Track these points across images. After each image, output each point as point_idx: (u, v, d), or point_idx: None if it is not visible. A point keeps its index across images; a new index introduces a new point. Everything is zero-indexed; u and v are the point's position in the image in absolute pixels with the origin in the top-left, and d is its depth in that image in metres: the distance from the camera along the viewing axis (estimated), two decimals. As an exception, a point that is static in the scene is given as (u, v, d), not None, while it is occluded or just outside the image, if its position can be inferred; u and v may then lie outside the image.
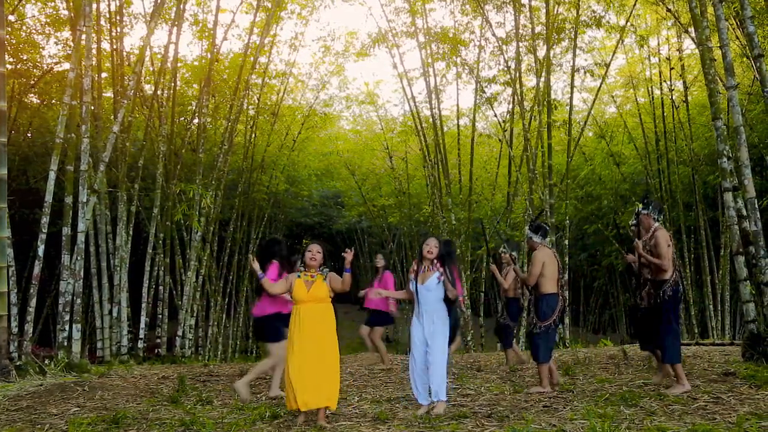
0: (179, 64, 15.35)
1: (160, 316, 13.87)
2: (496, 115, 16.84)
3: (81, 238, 9.02)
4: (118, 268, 12.41)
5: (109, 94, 14.45)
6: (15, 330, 9.17)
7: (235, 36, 30.99)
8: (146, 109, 14.25)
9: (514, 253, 7.57)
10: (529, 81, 16.57)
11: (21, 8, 13.60)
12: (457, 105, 29.19)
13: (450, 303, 5.18)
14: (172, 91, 14.78)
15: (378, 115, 22.48)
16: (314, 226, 25.76)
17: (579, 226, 20.04)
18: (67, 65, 12.89)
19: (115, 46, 13.42)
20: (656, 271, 5.69)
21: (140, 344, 12.91)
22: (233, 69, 16.00)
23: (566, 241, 14.71)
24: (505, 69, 15.34)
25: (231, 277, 17.71)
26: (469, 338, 14.72)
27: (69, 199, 9.09)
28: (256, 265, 5.44)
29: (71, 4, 11.58)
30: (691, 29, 12.27)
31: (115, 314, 12.34)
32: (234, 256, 17.51)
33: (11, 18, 12.90)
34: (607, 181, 18.36)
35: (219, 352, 16.33)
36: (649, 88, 16.96)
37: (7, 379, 6.98)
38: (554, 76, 17.24)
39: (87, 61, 9.64)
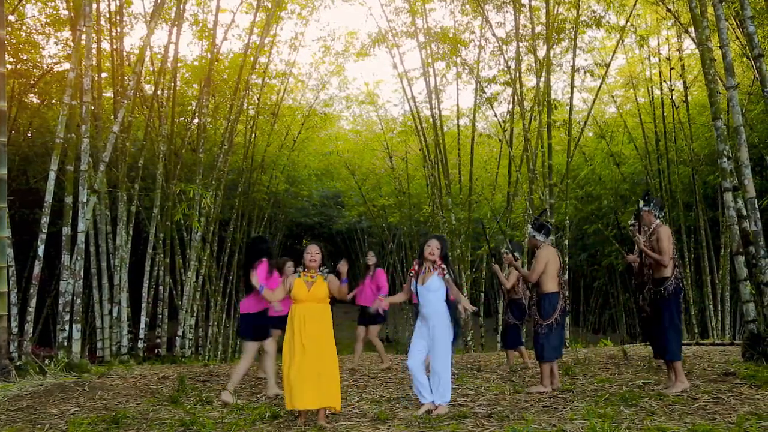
0: (179, 64, 15.35)
1: (160, 316, 13.87)
2: (496, 115, 16.84)
3: (81, 238, 9.02)
4: (118, 268, 12.41)
5: (109, 94, 14.45)
6: (15, 330, 9.18)
7: (235, 36, 31.11)
8: (146, 109, 14.25)
9: (516, 254, 7.55)
10: (529, 81, 16.59)
11: (21, 8, 13.60)
12: (457, 105, 29.24)
13: (452, 304, 5.15)
14: (172, 91, 14.78)
15: (378, 115, 22.51)
16: (314, 226, 25.76)
17: (579, 226, 20.04)
18: (67, 65, 12.90)
19: (115, 46, 13.42)
20: (657, 269, 5.69)
21: (140, 344, 12.91)
22: (233, 69, 16.00)
23: (566, 241, 14.71)
24: (505, 69, 15.34)
25: (231, 277, 17.71)
26: (469, 338, 14.73)
27: (69, 199, 9.09)
28: (255, 280, 5.50)
29: (71, 4, 11.58)
30: (691, 29, 12.27)
31: (115, 314, 12.34)
32: (234, 256, 17.51)
33: (11, 18, 12.90)
34: (607, 181, 18.36)
35: (219, 352, 16.33)
36: (649, 88, 16.96)
37: (7, 379, 6.98)
38: (554, 76, 17.26)
39: (87, 61, 9.64)
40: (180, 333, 13.59)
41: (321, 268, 4.95)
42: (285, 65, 18.06)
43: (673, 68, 15.81)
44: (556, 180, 14.19)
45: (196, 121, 15.02)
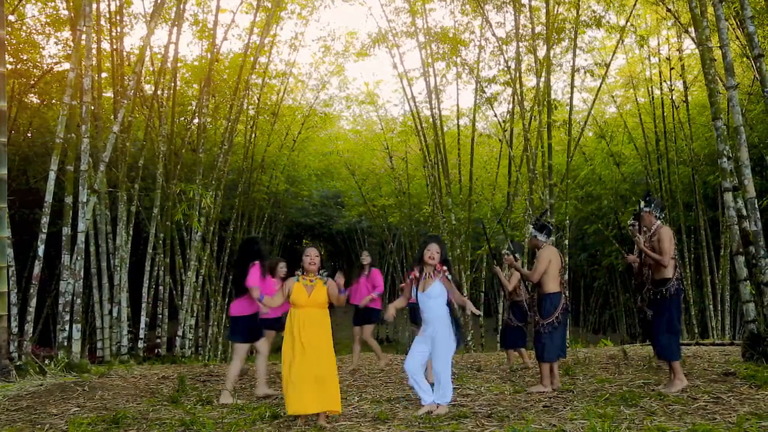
0: (179, 64, 15.36)
1: (160, 316, 13.88)
2: (496, 115, 16.84)
3: (81, 238, 9.02)
4: (118, 268, 12.41)
5: (109, 94, 14.46)
6: (15, 330, 9.17)
7: (235, 36, 31.15)
8: (146, 109, 14.25)
9: (517, 254, 7.53)
10: (529, 81, 16.59)
11: (21, 8, 13.61)
12: (457, 105, 29.27)
13: (452, 307, 5.13)
14: (172, 91, 14.78)
15: (378, 115, 22.52)
16: (314, 226, 25.76)
17: (579, 226, 20.04)
18: (67, 65, 12.90)
19: (115, 46, 13.42)
20: (657, 270, 5.69)
21: (140, 344, 12.92)
22: (233, 69, 16.00)
23: (566, 241, 14.71)
24: (505, 69, 15.34)
25: (231, 277, 17.70)
26: (469, 338, 14.73)
27: (69, 199, 9.09)
28: (256, 293, 5.54)
29: (71, 4, 11.59)
30: (691, 29, 12.27)
31: (115, 314, 12.35)
32: (234, 256, 17.50)
33: (11, 18, 12.90)
34: (607, 181, 18.36)
35: (219, 352, 16.32)
36: (649, 88, 16.96)
37: (7, 379, 6.98)
38: (554, 76, 17.25)
39: (87, 61, 9.64)
40: (180, 333, 13.59)
41: (320, 272, 4.95)
42: (285, 65, 18.10)
43: (673, 68, 15.82)
44: (556, 180, 14.19)
45: (196, 121, 15.02)
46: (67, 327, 8.74)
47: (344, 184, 23.72)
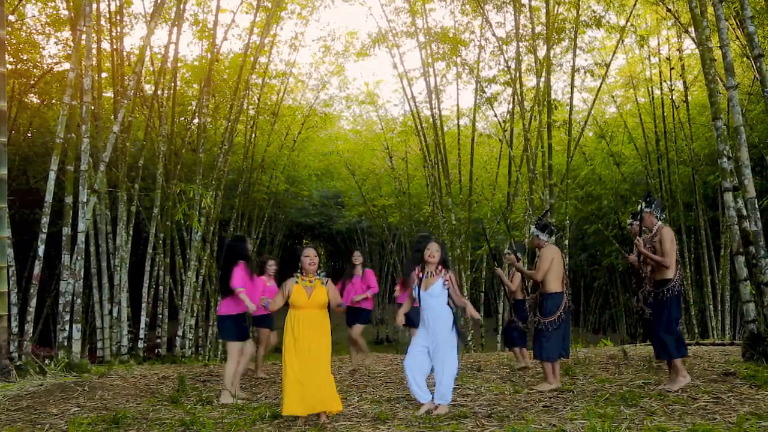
0: (179, 64, 15.35)
1: (160, 316, 13.88)
2: (496, 115, 16.84)
3: (81, 238, 9.02)
4: (118, 268, 12.41)
5: (109, 94, 14.45)
6: (15, 330, 9.18)
7: (235, 36, 31.17)
8: (146, 109, 14.25)
9: (518, 254, 7.52)
10: (529, 81, 16.59)
11: (21, 8, 13.60)
12: (457, 105, 29.31)
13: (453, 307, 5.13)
14: (172, 91, 14.78)
15: (378, 115, 22.52)
16: (314, 226, 25.76)
17: (579, 226, 20.04)
18: (67, 65, 12.90)
19: (115, 46, 13.42)
20: (658, 270, 5.69)
21: (140, 344, 12.92)
22: (233, 69, 15.99)
23: (566, 241, 14.70)
24: (505, 69, 15.34)
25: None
26: (469, 338, 14.73)
27: (69, 199, 9.09)
28: (252, 307, 5.63)
29: (71, 4, 11.59)
30: (691, 29, 12.26)
31: (115, 314, 12.35)
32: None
33: (11, 18, 12.90)
34: (607, 181, 18.36)
35: (219, 352, 16.32)
36: (649, 88, 16.96)
37: (8, 379, 6.99)
38: (554, 76, 17.25)
39: (87, 61, 9.64)
40: (180, 333, 13.59)
41: (318, 272, 4.96)
42: (285, 65, 18.09)
43: (673, 68, 15.81)
44: (556, 180, 14.19)
45: (196, 121, 15.02)
46: (67, 327, 8.74)
47: (344, 184, 23.72)
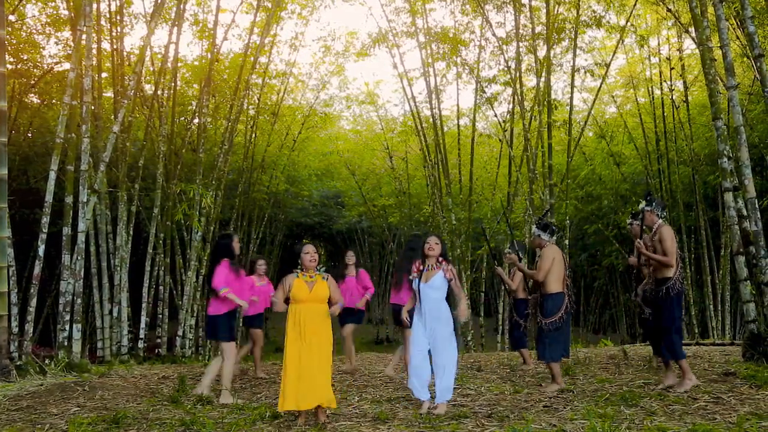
0: (179, 64, 15.34)
1: (161, 316, 13.87)
2: (496, 115, 16.85)
3: (81, 238, 9.02)
4: (119, 268, 12.41)
5: (109, 94, 14.45)
6: (15, 330, 9.18)
7: (235, 36, 31.17)
8: (146, 109, 14.25)
9: (519, 253, 7.52)
10: (530, 81, 16.58)
11: (21, 8, 13.60)
12: (458, 105, 29.29)
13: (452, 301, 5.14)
14: (172, 91, 14.77)
15: (378, 115, 22.53)
16: (314, 226, 25.76)
17: (579, 226, 20.04)
18: (67, 65, 12.90)
19: (115, 46, 13.42)
20: (659, 269, 5.69)
21: (140, 344, 12.91)
22: (233, 69, 15.99)
23: (566, 241, 14.70)
24: (505, 69, 15.34)
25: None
26: (469, 338, 14.72)
27: (69, 199, 9.09)
28: (242, 303, 5.76)
29: (71, 4, 11.59)
30: (692, 29, 12.26)
31: (115, 314, 12.34)
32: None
33: (11, 18, 12.90)
34: (607, 181, 18.36)
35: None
36: (650, 88, 16.96)
37: (8, 379, 6.98)
38: (554, 76, 17.23)
39: (87, 61, 9.64)
40: (180, 333, 13.58)
41: (318, 267, 4.97)
42: (285, 65, 18.09)
43: (673, 68, 15.81)
44: (556, 180, 14.19)
45: (196, 121, 15.01)
46: (67, 327, 8.74)
47: (344, 184, 23.72)
